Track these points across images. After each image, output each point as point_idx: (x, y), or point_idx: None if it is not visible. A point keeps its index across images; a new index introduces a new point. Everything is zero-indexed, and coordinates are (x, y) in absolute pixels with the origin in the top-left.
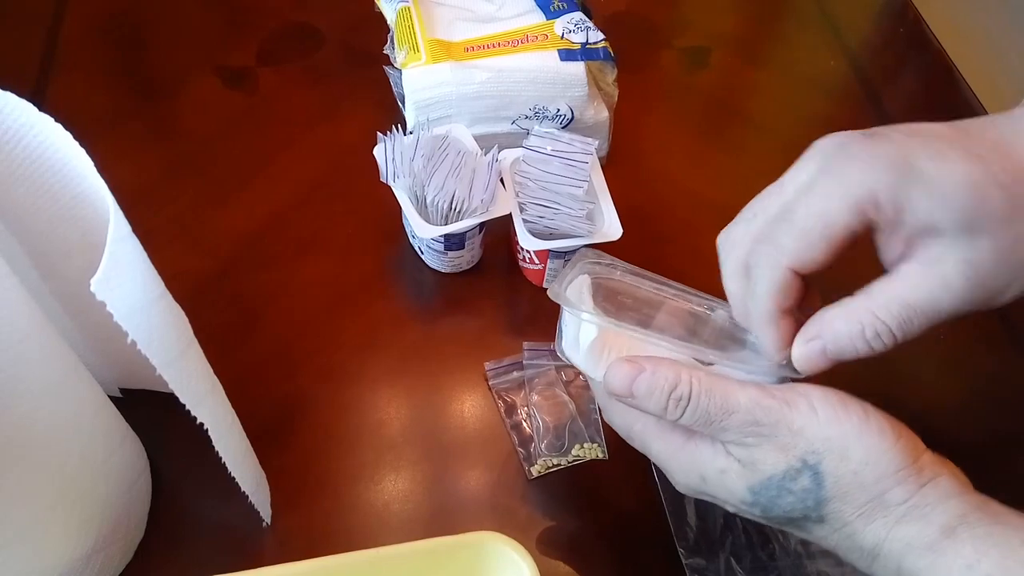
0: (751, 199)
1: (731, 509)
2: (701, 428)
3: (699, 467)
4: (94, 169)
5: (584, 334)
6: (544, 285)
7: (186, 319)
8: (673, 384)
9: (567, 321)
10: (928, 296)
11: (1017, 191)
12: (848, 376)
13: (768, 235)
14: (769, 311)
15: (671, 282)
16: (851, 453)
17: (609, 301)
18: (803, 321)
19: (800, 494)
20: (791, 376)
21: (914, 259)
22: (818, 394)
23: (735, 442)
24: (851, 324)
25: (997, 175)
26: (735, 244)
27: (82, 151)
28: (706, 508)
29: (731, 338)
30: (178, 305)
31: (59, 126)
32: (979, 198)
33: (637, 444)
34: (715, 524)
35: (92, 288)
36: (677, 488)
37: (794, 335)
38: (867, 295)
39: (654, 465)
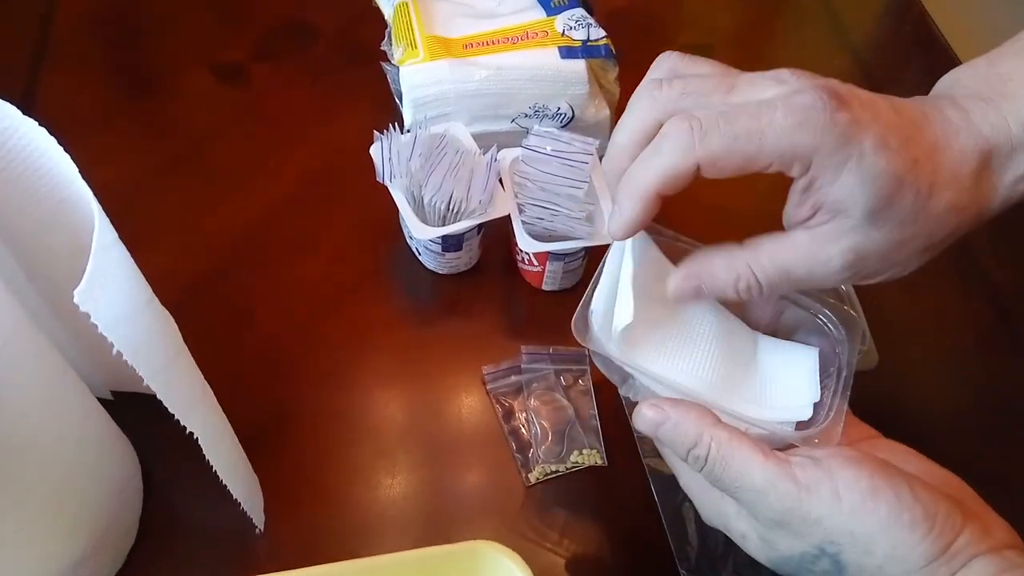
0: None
1: None
2: (719, 489)
3: (723, 518)
4: (79, 175)
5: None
6: (543, 287)
7: (175, 326)
8: (693, 442)
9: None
10: (806, 269)
11: (926, 202)
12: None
13: (702, 123)
14: (649, 188)
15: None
16: (876, 548)
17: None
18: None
19: (821, 574)
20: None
21: (810, 229)
22: (848, 477)
23: (751, 513)
24: (730, 273)
25: (919, 181)
26: (657, 103)
27: (67, 156)
28: (707, 528)
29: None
30: (167, 312)
31: (43, 130)
32: (895, 197)
33: (668, 463)
34: (716, 543)
35: (76, 299)
36: (703, 519)
37: (648, 221)
38: (754, 249)
39: (652, 483)
